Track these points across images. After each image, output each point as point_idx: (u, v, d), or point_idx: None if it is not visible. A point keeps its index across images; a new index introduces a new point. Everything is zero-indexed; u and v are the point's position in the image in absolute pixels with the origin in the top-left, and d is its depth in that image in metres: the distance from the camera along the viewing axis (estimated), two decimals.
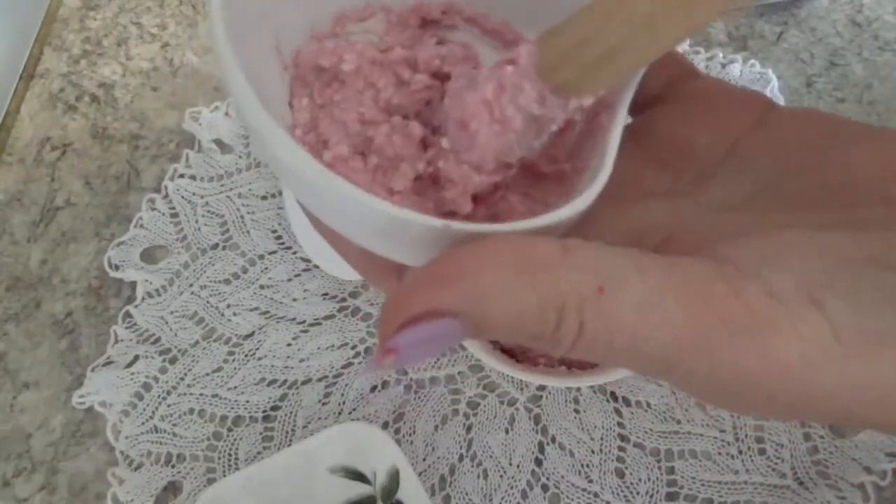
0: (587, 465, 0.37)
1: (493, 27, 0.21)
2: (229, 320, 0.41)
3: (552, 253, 0.14)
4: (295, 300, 0.41)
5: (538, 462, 0.37)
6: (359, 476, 0.35)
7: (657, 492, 0.36)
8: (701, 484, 0.36)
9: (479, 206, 0.18)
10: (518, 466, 0.37)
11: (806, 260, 0.14)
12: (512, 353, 0.36)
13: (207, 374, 0.39)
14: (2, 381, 0.40)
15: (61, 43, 0.50)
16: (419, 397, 0.38)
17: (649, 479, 0.36)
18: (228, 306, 0.41)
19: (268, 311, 0.41)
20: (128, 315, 0.41)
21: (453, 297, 0.13)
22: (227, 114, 0.46)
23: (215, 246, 0.43)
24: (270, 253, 0.42)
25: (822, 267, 0.13)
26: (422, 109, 0.19)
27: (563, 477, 0.36)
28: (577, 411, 0.38)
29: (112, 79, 0.48)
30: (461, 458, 0.37)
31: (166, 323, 0.41)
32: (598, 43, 0.16)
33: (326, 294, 0.41)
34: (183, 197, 0.44)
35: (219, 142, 0.45)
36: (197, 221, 0.43)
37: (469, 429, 0.38)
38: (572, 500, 0.36)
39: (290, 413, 0.39)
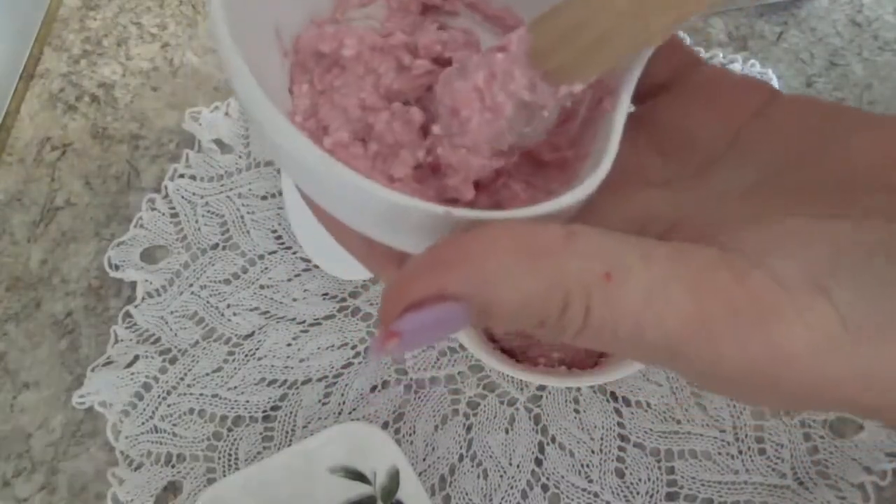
0: (587, 465, 0.37)
1: (495, 13, 0.21)
2: (229, 320, 0.41)
3: (557, 238, 0.13)
4: (295, 300, 0.41)
5: (538, 462, 0.37)
6: (359, 476, 0.35)
7: (657, 492, 0.36)
8: (701, 484, 0.36)
9: (481, 194, 0.18)
10: (518, 466, 0.37)
11: (811, 248, 0.14)
12: (512, 353, 0.36)
13: (207, 374, 0.39)
14: (2, 381, 0.40)
15: (61, 43, 0.50)
16: (419, 397, 0.38)
17: (649, 479, 0.36)
18: (228, 306, 0.41)
19: (268, 311, 0.41)
20: (128, 315, 0.41)
21: (458, 282, 0.13)
22: (227, 114, 0.46)
23: (215, 246, 0.43)
24: (270, 253, 0.42)
25: (827, 255, 0.13)
26: (422, 95, 0.19)
27: (563, 477, 0.36)
28: (577, 411, 0.38)
29: (112, 79, 0.48)
30: (461, 458, 0.37)
31: (166, 323, 0.41)
32: (588, 29, 0.16)
33: (326, 294, 0.41)
34: (183, 197, 0.44)
35: (219, 142, 0.45)
36: (197, 221, 0.43)
37: (469, 429, 0.38)
38: (572, 500, 0.36)
39: (290, 413, 0.39)
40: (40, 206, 0.44)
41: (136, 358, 0.40)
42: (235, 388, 0.39)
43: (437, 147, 0.17)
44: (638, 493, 0.36)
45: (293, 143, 0.14)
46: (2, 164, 0.46)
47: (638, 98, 0.18)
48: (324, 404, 0.39)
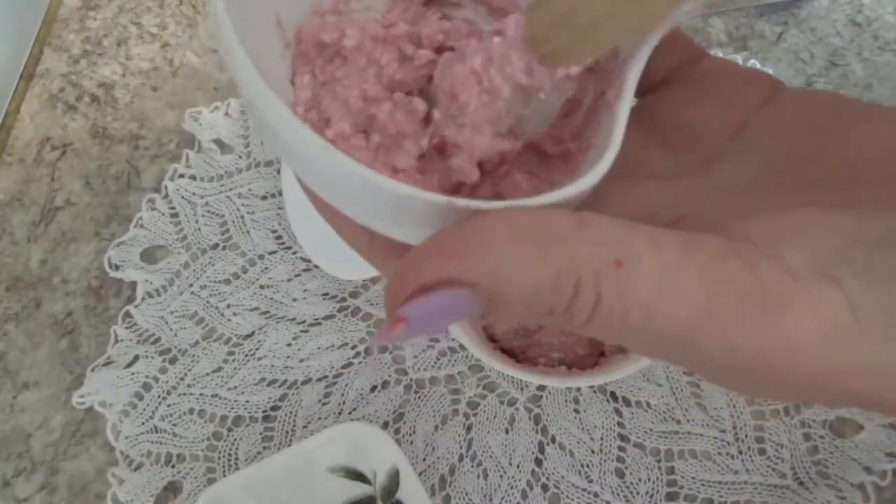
0: (587, 465, 0.37)
1: (498, 4, 0.21)
2: (229, 320, 0.41)
3: (568, 224, 0.13)
4: (295, 300, 0.41)
5: (538, 462, 0.37)
6: (359, 476, 0.35)
7: (657, 492, 0.36)
8: (701, 484, 0.36)
9: (484, 183, 0.18)
10: (518, 466, 0.37)
11: (819, 238, 0.13)
12: (512, 353, 0.36)
13: (207, 374, 0.39)
14: (2, 381, 0.40)
15: (61, 43, 0.50)
16: (419, 397, 0.38)
17: (649, 479, 0.36)
18: (228, 306, 0.41)
19: (268, 311, 0.41)
20: (128, 315, 0.41)
21: (467, 267, 0.13)
22: (227, 114, 0.46)
23: (215, 246, 0.43)
24: (270, 253, 0.42)
25: (836, 245, 0.13)
26: (425, 86, 0.19)
27: (563, 477, 0.36)
28: (577, 411, 0.38)
29: (112, 79, 0.48)
30: (461, 458, 0.37)
31: (166, 323, 0.41)
32: (583, 12, 0.16)
33: (326, 294, 0.41)
34: (183, 197, 0.44)
35: (219, 142, 0.45)
36: (197, 221, 0.43)
37: (469, 429, 0.38)
38: (572, 500, 0.36)
39: (290, 413, 0.39)
40: (40, 206, 0.44)
41: (136, 358, 0.40)
42: (235, 388, 0.39)
43: (445, 129, 0.17)
44: (638, 493, 0.36)
45: (296, 133, 0.14)
46: (2, 164, 0.46)
47: (640, 91, 0.18)
48: (324, 404, 0.39)
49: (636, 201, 0.17)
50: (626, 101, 0.17)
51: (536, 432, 0.37)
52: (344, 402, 0.39)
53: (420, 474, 0.37)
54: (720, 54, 0.46)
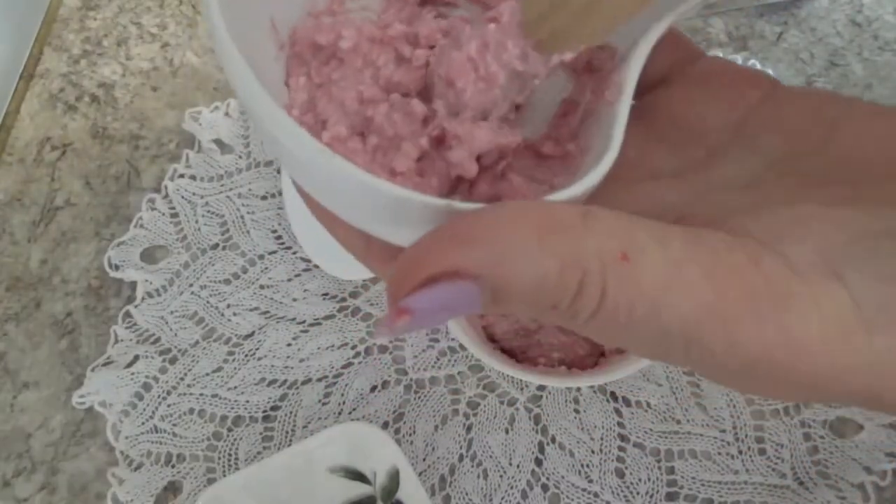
0: (587, 465, 0.37)
1: (494, 2, 0.21)
2: (229, 320, 0.41)
3: (573, 218, 0.13)
4: (295, 300, 0.41)
5: (538, 462, 0.37)
6: (359, 476, 0.35)
7: (657, 492, 0.36)
8: (701, 484, 0.36)
9: (482, 183, 0.18)
10: (518, 466, 0.37)
11: (822, 234, 0.13)
12: (512, 353, 0.36)
13: (207, 374, 0.39)
14: (2, 381, 0.40)
15: (61, 43, 0.50)
16: (419, 397, 0.38)
17: (649, 479, 0.36)
18: (228, 306, 0.41)
19: (268, 311, 0.41)
20: (128, 315, 0.41)
21: (473, 258, 0.13)
22: (227, 114, 0.46)
23: (215, 246, 0.43)
24: (270, 253, 0.42)
25: (840, 240, 0.13)
26: (423, 87, 0.19)
27: (563, 477, 0.36)
28: (577, 411, 0.38)
29: (112, 79, 0.48)
30: (461, 458, 0.37)
31: (166, 323, 0.41)
32: None
33: (326, 294, 0.41)
34: (183, 197, 0.44)
35: (219, 142, 0.45)
36: (197, 221, 0.43)
37: (469, 429, 0.38)
38: (572, 500, 0.36)
39: (290, 413, 0.39)
40: (40, 206, 0.44)
41: (136, 358, 0.40)
42: (235, 388, 0.39)
43: (445, 122, 0.17)
44: (638, 493, 0.36)
45: (292, 136, 0.14)
46: (2, 164, 0.46)
47: (638, 91, 0.18)
48: (324, 404, 0.39)
49: (637, 200, 0.17)
50: (627, 100, 0.17)
51: (536, 432, 0.37)
52: (344, 402, 0.39)
53: (420, 474, 0.37)
54: (720, 54, 0.46)
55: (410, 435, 0.38)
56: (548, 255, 0.13)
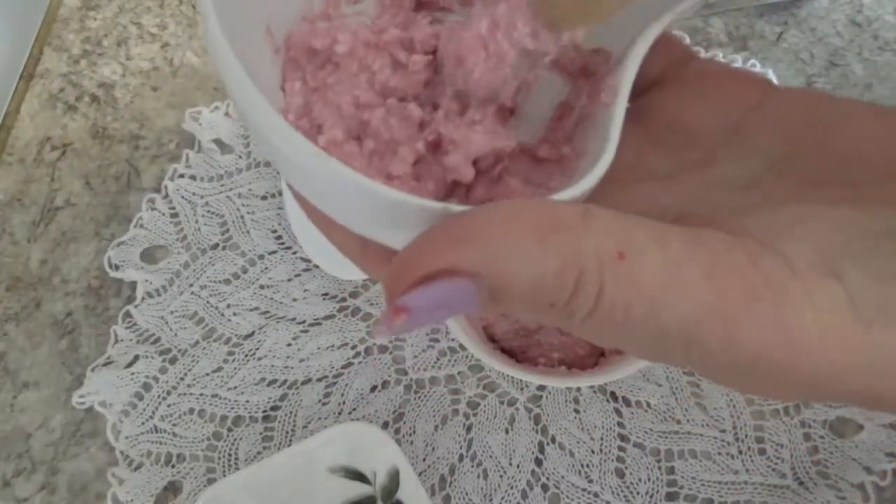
0: (587, 465, 0.37)
1: None
2: (229, 320, 0.41)
3: (572, 216, 0.13)
4: (295, 300, 0.41)
5: (538, 462, 0.37)
6: (359, 476, 0.35)
7: (657, 492, 0.36)
8: (701, 484, 0.36)
9: (479, 187, 0.18)
10: (518, 466, 0.37)
11: (820, 233, 0.13)
12: (512, 353, 0.36)
13: (207, 374, 0.39)
14: (2, 381, 0.40)
15: (61, 43, 0.50)
16: (419, 397, 0.38)
17: (649, 479, 0.36)
18: (228, 306, 0.41)
19: (268, 311, 0.41)
20: (128, 315, 0.41)
21: (470, 256, 0.13)
22: (227, 114, 0.46)
23: (215, 246, 0.43)
24: (270, 253, 0.42)
25: (839, 240, 0.13)
26: (420, 92, 0.19)
27: (563, 477, 0.36)
28: (577, 411, 0.38)
29: (112, 79, 0.48)
30: (461, 458, 0.37)
31: (166, 323, 0.41)
32: None
33: (326, 294, 0.41)
34: (183, 197, 0.44)
35: (219, 142, 0.45)
36: (197, 221, 0.43)
37: (469, 429, 0.38)
38: (572, 500, 0.36)
39: (290, 413, 0.39)
40: (40, 206, 0.44)
41: (136, 358, 0.40)
42: (235, 388, 0.39)
43: (441, 126, 0.17)
44: (638, 493, 0.36)
45: (288, 140, 0.14)
46: (2, 164, 0.46)
47: (632, 95, 0.19)
48: (324, 404, 0.39)
49: (634, 202, 0.17)
50: (623, 102, 0.17)
51: (536, 432, 0.37)
52: (344, 402, 0.39)
53: (420, 474, 0.37)
54: (720, 54, 0.46)
55: (410, 435, 0.38)
56: (545, 253, 0.13)
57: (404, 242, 0.16)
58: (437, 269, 0.13)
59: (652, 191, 0.17)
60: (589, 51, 0.20)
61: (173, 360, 0.40)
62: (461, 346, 0.39)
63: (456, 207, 0.14)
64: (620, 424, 0.37)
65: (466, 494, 0.36)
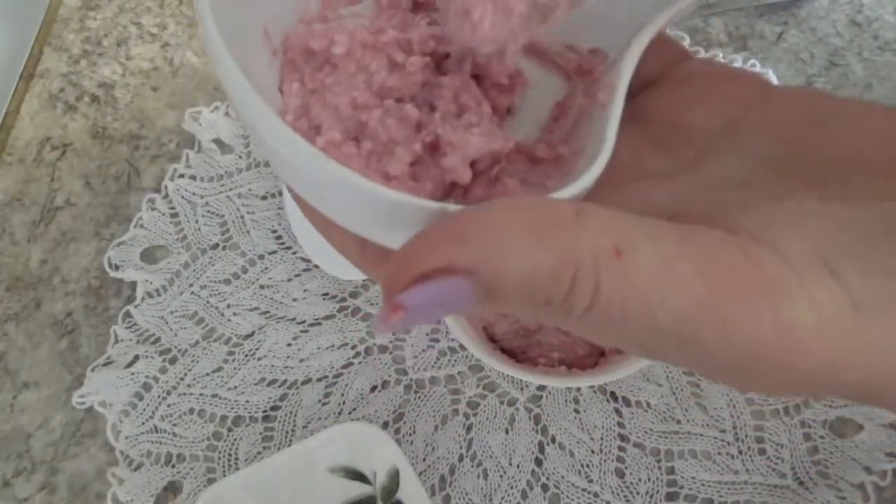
0: (587, 465, 0.37)
1: None
2: (229, 320, 0.41)
3: (567, 214, 0.13)
4: (295, 300, 0.41)
5: (538, 462, 0.37)
6: (359, 476, 0.35)
7: (657, 492, 0.36)
8: (701, 484, 0.36)
9: (476, 188, 0.18)
10: (518, 466, 0.37)
11: (816, 229, 0.13)
12: (512, 353, 0.36)
13: (207, 374, 0.39)
14: (2, 381, 0.40)
15: (61, 43, 0.50)
16: (419, 397, 0.38)
17: (649, 479, 0.36)
18: (228, 306, 0.41)
19: (268, 311, 0.41)
20: (128, 315, 0.41)
21: (467, 254, 0.13)
22: (227, 114, 0.46)
23: (215, 246, 0.43)
24: (270, 253, 0.42)
25: (835, 236, 0.13)
26: (417, 93, 0.19)
27: (563, 477, 0.36)
28: (577, 411, 0.38)
29: (112, 79, 0.48)
30: (461, 458, 0.37)
31: (166, 323, 0.41)
32: None
33: (326, 294, 0.41)
34: (183, 197, 0.44)
35: (219, 142, 0.45)
36: (197, 221, 0.43)
37: (469, 429, 0.38)
38: (572, 500, 0.36)
39: (290, 413, 0.39)
40: (40, 206, 0.44)
41: (136, 358, 0.40)
42: (235, 388, 0.39)
43: (439, 128, 0.17)
44: (638, 493, 0.36)
45: (286, 141, 0.14)
46: (2, 164, 0.46)
47: (627, 94, 0.19)
48: (324, 404, 0.39)
49: (631, 200, 0.17)
50: (619, 101, 0.17)
51: (536, 432, 0.37)
52: (344, 402, 0.39)
53: (420, 474, 0.37)
54: (720, 54, 0.46)
55: (410, 435, 0.38)
56: (541, 250, 0.13)
57: (402, 243, 0.16)
58: (434, 267, 0.13)
59: (648, 189, 0.17)
60: (586, 51, 0.20)
61: (173, 360, 0.40)
62: (461, 346, 0.39)
63: (453, 207, 0.14)
64: (620, 424, 0.37)
65: (466, 494, 0.36)
